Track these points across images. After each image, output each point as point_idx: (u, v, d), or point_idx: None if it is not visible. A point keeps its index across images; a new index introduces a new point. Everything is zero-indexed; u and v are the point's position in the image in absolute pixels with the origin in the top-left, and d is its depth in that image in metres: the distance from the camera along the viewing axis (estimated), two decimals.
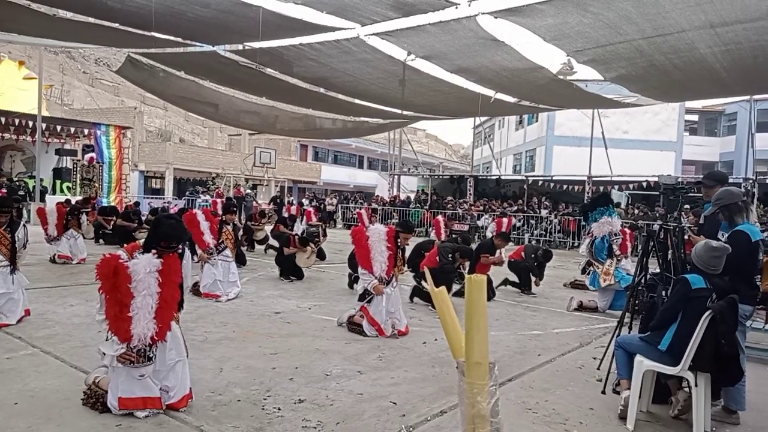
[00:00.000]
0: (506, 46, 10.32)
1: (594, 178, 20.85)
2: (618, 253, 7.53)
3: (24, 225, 5.74)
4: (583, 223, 7.67)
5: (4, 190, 18.05)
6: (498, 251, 8.17)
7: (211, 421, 3.33)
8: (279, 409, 3.57)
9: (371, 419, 3.48)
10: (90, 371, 3.73)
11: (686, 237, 4.38)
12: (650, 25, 8.78)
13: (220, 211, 10.00)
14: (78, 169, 20.60)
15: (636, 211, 18.34)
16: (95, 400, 3.41)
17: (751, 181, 17.82)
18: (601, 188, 21.35)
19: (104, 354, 3.48)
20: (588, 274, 9.06)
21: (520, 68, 11.54)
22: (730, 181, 4.69)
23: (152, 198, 25.95)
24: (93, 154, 20.72)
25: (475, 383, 2.28)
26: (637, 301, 4.49)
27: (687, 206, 12.09)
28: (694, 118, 35.86)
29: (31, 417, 3.26)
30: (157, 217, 3.83)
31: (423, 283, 7.32)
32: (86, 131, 21.82)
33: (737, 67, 10.47)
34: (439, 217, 13.10)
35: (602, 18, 8.64)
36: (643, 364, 3.59)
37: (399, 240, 5.92)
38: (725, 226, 3.90)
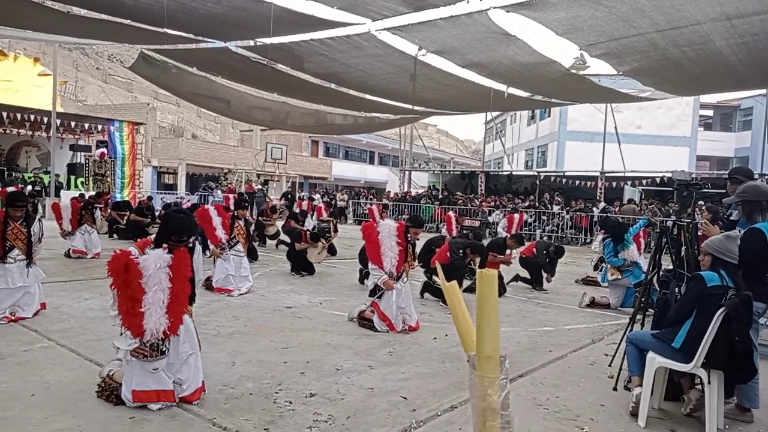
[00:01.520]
0: (518, 41, 10.27)
1: (607, 174, 20.69)
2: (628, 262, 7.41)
3: (39, 219, 5.82)
4: (618, 247, 7.44)
5: (20, 185, 18.32)
6: (509, 251, 8.14)
7: (223, 414, 3.36)
8: (290, 402, 3.59)
9: (382, 414, 3.49)
10: (104, 364, 3.77)
11: (700, 233, 4.32)
12: (664, 17, 8.69)
13: (231, 207, 10.06)
14: (90, 164, 20.81)
15: (650, 207, 18.17)
16: (110, 392, 3.46)
17: (767, 177, 17.57)
18: (614, 184, 21.20)
19: (118, 348, 3.52)
20: (600, 270, 9.03)
21: (532, 62, 11.48)
22: (755, 178, 4.58)
23: (165, 193, 26.16)
24: (104, 150, 20.91)
25: (485, 376, 2.28)
26: (644, 299, 4.45)
27: (701, 202, 11.98)
28: (709, 113, 35.36)
29: (47, 408, 3.31)
30: (167, 212, 3.85)
31: (434, 278, 7.31)
32: (100, 127, 22.05)
33: (754, 60, 10.34)
34: (450, 213, 13.08)
35: (615, 11, 8.57)
36: (655, 360, 3.56)
37: (409, 235, 5.91)
38: (742, 222, 3.84)
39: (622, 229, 7.57)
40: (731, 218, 4.38)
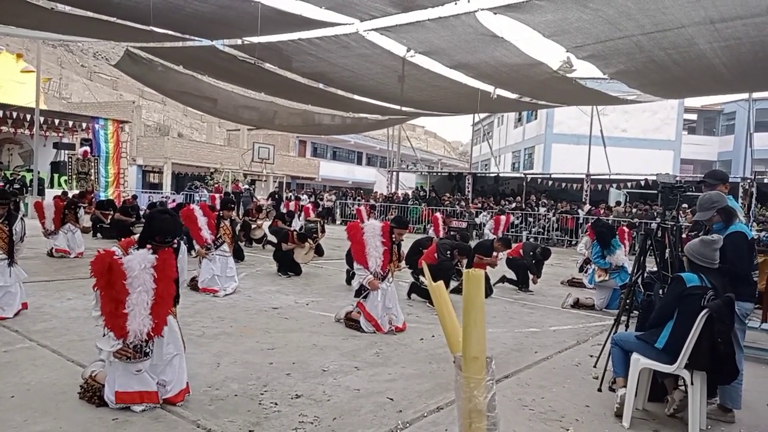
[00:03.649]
0: (505, 42, 10.32)
1: (592, 176, 20.87)
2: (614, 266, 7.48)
3: (22, 218, 5.72)
4: (605, 251, 7.50)
5: (2, 183, 18.01)
6: (495, 253, 8.17)
7: (207, 416, 3.33)
8: (276, 404, 3.57)
9: (368, 415, 3.48)
10: (87, 365, 3.72)
11: (684, 236, 4.38)
12: (650, 20, 8.79)
13: (218, 206, 9.98)
14: (74, 162, 20.54)
15: (634, 210, 18.36)
16: (92, 393, 3.41)
17: (749, 181, 17.84)
18: (600, 187, 21.39)
19: (101, 349, 3.47)
20: (585, 272, 9.09)
21: (519, 64, 11.55)
22: (729, 180, 4.68)
23: (150, 192, 25.90)
24: (87, 148, 20.64)
25: (472, 378, 2.28)
26: (629, 300, 4.49)
27: (684, 205, 12.13)
28: (693, 117, 35.86)
29: (27, 410, 3.26)
30: (152, 213, 3.80)
31: (421, 279, 7.32)
32: (84, 125, 21.76)
33: (737, 63, 10.49)
34: (438, 215, 13.10)
35: (602, 14, 8.65)
36: (639, 362, 3.60)
37: (393, 235, 5.90)
38: (718, 227, 3.90)
39: (609, 234, 7.61)
40: (695, 219, 4.47)
